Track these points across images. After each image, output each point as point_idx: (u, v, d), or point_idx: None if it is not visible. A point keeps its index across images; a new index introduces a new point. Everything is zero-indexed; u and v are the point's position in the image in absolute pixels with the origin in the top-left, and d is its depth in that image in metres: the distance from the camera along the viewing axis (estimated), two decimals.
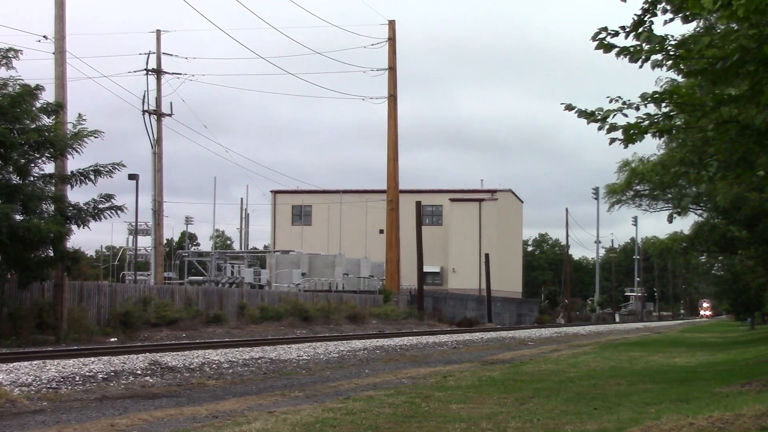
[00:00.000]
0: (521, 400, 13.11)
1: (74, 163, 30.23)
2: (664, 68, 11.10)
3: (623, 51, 10.80)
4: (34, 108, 28.51)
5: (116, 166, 30.05)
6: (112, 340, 30.81)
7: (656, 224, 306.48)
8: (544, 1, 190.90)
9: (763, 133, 11.36)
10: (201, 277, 62.20)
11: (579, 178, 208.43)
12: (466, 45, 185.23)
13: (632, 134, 11.56)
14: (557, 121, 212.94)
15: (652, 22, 10.79)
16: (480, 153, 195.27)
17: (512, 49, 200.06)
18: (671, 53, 10.84)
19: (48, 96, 29.74)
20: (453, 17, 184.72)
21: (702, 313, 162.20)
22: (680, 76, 13.67)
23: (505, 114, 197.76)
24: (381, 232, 72.53)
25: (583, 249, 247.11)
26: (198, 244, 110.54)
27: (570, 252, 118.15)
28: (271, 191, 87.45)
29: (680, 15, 10.58)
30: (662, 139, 24.67)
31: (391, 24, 59.52)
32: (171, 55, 49.71)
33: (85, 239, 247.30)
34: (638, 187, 38.58)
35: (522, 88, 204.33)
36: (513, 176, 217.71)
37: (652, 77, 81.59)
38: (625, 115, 11.43)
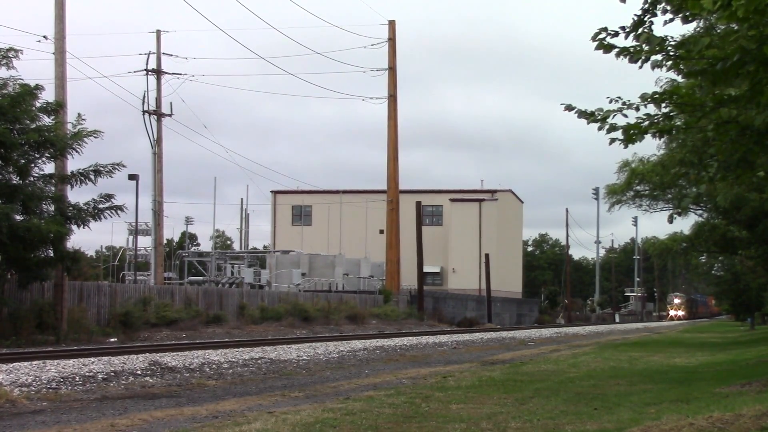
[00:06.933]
0: (521, 400, 13.12)
1: (74, 163, 30.29)
2: (664, 68, 11.10)
3: (623, 51, 10.80)
4: (34, 108, 28.51)
5: (116, 166, 30.06)
6: (112, 340, 30.80)
7: (656, 224, 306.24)
8: (544, 1, 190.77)
9: (763, 134, 11.35)
10: (201, 278, 62.14)
11: (578, 178, 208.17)
12: (460, 45, 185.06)
13: (632, 134, 11.55)
14: (555, 121, 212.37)
15: (652, 23, 10.79)
16: (476, 153, 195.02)
17: (505, 49, 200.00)
18: (671, 54, 10.84)
19: (48, 96, 29.80)
20: (447, 18, 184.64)
21: (671, 313, 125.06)
22: (680, 76, 13.68)
23: (500, 114, 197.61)
24: (381, 232, 72.49)
25: (583, 249, 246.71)
26: (198, 245, 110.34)
27: (570, 252, 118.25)
28: (271, 191, 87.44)
29: (680, 15, 10.58)
30: (662, 139, 24.71)
31: (391, 24, 59.50)
32: (171, 55, 49.67)
33: (85, 239, 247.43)
34: (638, 188, 38.60)
35: (516, 88, 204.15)
36: (510, 176, 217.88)
37: (651, 77, 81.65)
38: (625, 116, 11.42)
